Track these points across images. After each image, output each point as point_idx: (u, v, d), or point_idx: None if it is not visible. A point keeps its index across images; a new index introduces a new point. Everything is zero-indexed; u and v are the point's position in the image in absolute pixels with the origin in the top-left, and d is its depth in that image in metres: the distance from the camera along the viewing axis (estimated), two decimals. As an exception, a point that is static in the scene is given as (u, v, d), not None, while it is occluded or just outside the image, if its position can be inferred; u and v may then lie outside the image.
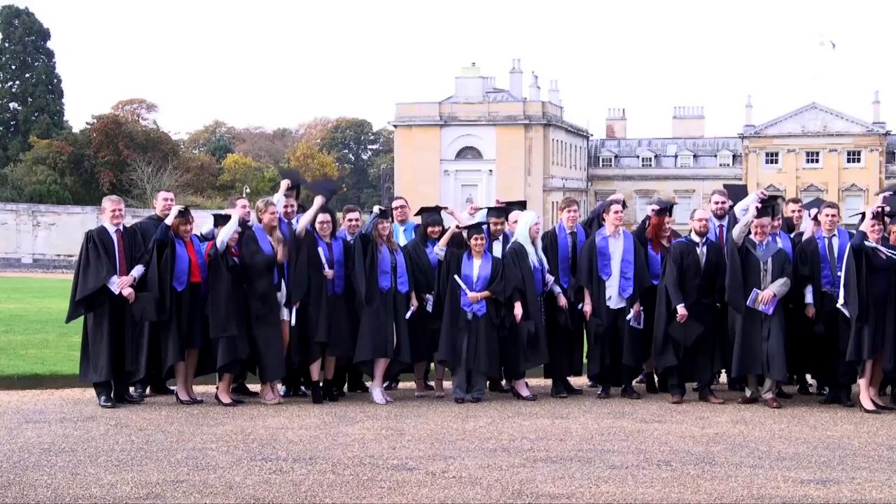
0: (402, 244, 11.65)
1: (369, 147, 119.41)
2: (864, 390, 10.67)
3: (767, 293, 10.82)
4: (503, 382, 11.99)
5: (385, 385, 11.68)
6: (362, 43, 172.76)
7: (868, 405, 10.56)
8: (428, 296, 11.49)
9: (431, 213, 12.10)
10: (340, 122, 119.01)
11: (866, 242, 10.60)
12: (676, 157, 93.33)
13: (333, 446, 8.97)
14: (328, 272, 11.06)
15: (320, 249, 11.10)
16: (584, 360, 11.96)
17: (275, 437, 9.32)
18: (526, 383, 11.62)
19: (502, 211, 11.98)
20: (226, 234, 10.84)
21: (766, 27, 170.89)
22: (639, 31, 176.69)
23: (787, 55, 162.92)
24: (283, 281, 11.04)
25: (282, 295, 11.04)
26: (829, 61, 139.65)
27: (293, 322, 11.03)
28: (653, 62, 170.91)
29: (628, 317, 11.52)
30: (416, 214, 12.37)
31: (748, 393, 11.20)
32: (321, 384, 11.25)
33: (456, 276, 11.16)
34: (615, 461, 8.44)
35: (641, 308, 11.55)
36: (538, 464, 8.31)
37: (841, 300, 10.64)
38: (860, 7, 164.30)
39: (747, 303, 10.83)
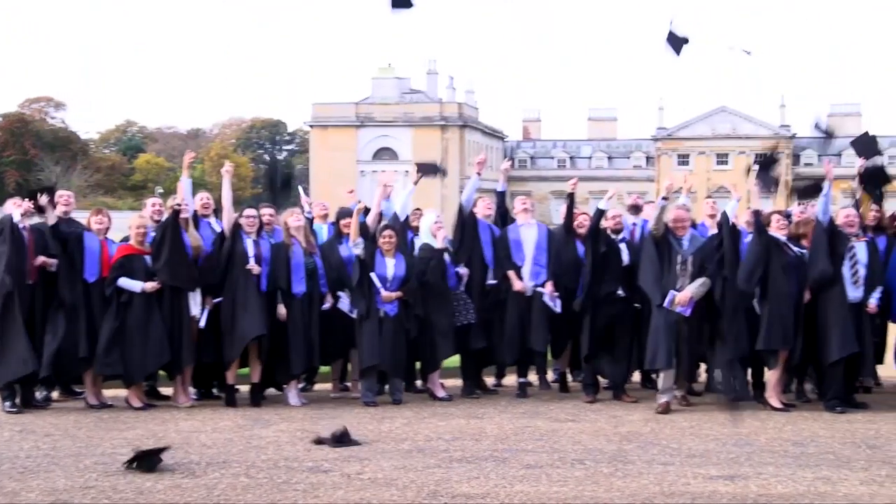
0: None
1: (285, 147, 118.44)
2: (771, 389, 10.89)
3: (684, 295, 10.62)
4: (418, 383, 12.00)
5: (301, 387, 11.59)
6: (278, 42, 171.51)
7: (776, 404, 10.77)
8: (340, 293, 11.40)
9: (343, 211, 11.93)
10: (255, 123, 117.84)
11: (778, 236, 10.78)
12: (591, 158, 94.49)
13: (247, 449, 8.87)
14: (253, 266, 10.88)
15: (249, 244, 10.96)
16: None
17: (187, 441, 9.18)
18: (441, 384, 11.64)
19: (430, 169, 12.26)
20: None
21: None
22: (554, 34, 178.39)
23: (697, 58, 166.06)
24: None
25: (196, 294, 10.89)
26: (739, 65, 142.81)
27: (203, 322, 10.88)
28: (568, 64, 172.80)
29: (544, 296, 11.59)
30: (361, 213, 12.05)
31: (662, 399, 10.78)
32: (234, 387, 11.10)
33: (372, 274, 11.06)
34: (529, 460, 8.50)
35: (557, 293, 11.59)
36: (454, 464, 8.32)
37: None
38: (767, 13, 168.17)
39: (664, 304, 10.60)
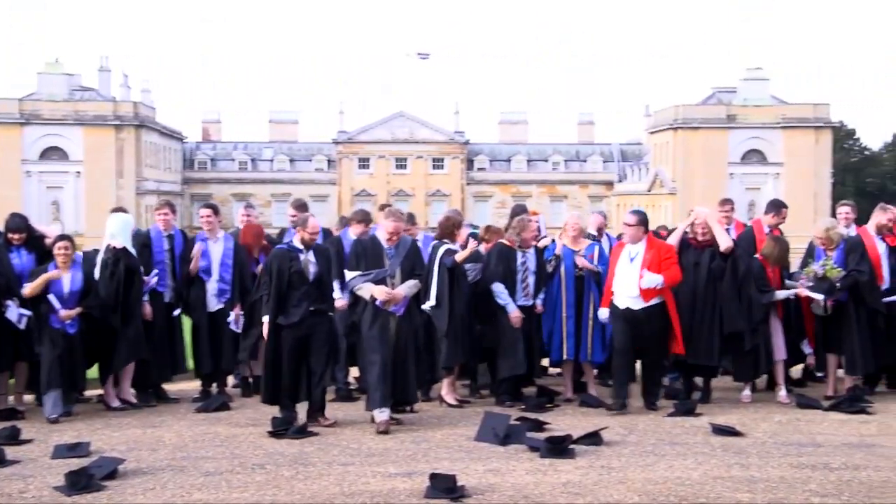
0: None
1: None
2: (446, 386, 11.28)
3: (398, 293, 9.91)
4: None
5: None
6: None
7: (451, 400, 11.16)
8: (9, 302, 10.58)
9: (15, 222, 11.17)
10: None
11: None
12: (273, 161, 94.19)
13: None
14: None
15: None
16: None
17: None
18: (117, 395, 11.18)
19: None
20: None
21: (357, 37, 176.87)
22: (230, 33, 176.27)
23: (376, 65, 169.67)
24: None
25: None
26: (414, 71, 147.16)
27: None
28: (248, 66, 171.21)
29: (229, 319, 11.50)
30: None
31: (382, 417, 9.89)
32: None
33: (50, 295, 10.42)
34: (209, 467, 8.32)
35: (242, 313, 11.50)
36: (128, 477, 7.99)
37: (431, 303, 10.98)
38: (445, 22, 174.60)
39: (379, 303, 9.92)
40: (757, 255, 11.34)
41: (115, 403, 11.07)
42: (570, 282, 11.39)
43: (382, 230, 10.21)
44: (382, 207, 12.71)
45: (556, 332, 11.42)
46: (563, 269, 11.42)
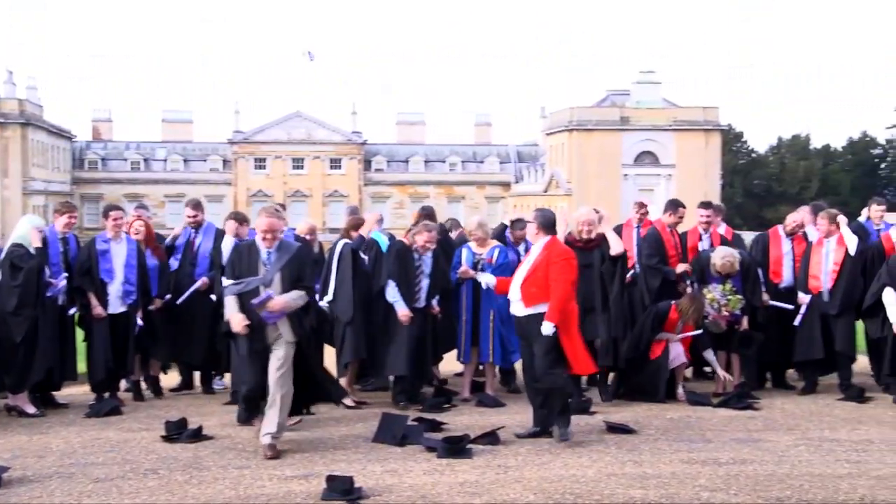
0: None
1: None
2: (346, 383, 11.24)
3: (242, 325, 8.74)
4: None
5: None
6: None
7: (349, 404, 11.13)
8: None
9: None
10: None
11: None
12: (166, 161, 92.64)
13: None
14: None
15: None
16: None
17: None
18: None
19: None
20: None
21: (253, 35, 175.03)
22: (120, 30, 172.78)
23: (272, 64, 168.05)
24: None
25: None
26: (310, 71, 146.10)
27: None
28: (140, 65, 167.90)
29: (138, 321, 11.38)
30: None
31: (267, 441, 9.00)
32: None
33: None
34: (99, 474, 8.12)
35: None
36: (13, 486, 7.75)
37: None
38: (341, 21, 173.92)
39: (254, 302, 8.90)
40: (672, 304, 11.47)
41: (32, 410, 10.76)
42: (468, 284, 11.45)
43: (258, 231, 8.94)
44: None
45: (458, 334, 11.51)
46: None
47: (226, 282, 8.97)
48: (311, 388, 9.32)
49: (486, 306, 11.42)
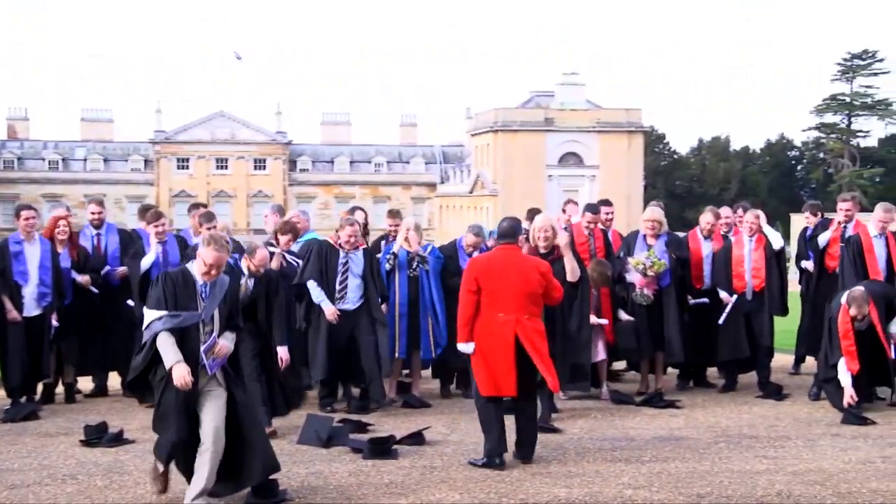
0: None
1: None
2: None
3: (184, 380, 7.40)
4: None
5: None
6: None
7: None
8: None
9: None
10: None
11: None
12: (86, 160, 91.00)
13: None
14: None
15: None
16: None
17: None
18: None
19: None
20: None
21: (175, 34, 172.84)
22: (37, 27, 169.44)
23: (195, 64, 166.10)
24: None
25: None
26: (234, 71, 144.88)
27: None
28: (58, 62, 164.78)
29: (54, 323, 11.15)
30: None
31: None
32: None
33: None
34: (14, 480, 7.95)
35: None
36: (-74, 493, 7.57)
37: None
38: (266, 21, 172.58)
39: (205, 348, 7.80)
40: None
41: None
42: (403, 280, 11.45)
43: (200, 261, 7.34)
44: (196, 206, 12.43)
45: (390, 328, 11.35)
46: (397, 268, 11.49)
47: (154, 313, 7.21)
48: (240, 446, 7.39)
49: (423, 302, 11.47)
